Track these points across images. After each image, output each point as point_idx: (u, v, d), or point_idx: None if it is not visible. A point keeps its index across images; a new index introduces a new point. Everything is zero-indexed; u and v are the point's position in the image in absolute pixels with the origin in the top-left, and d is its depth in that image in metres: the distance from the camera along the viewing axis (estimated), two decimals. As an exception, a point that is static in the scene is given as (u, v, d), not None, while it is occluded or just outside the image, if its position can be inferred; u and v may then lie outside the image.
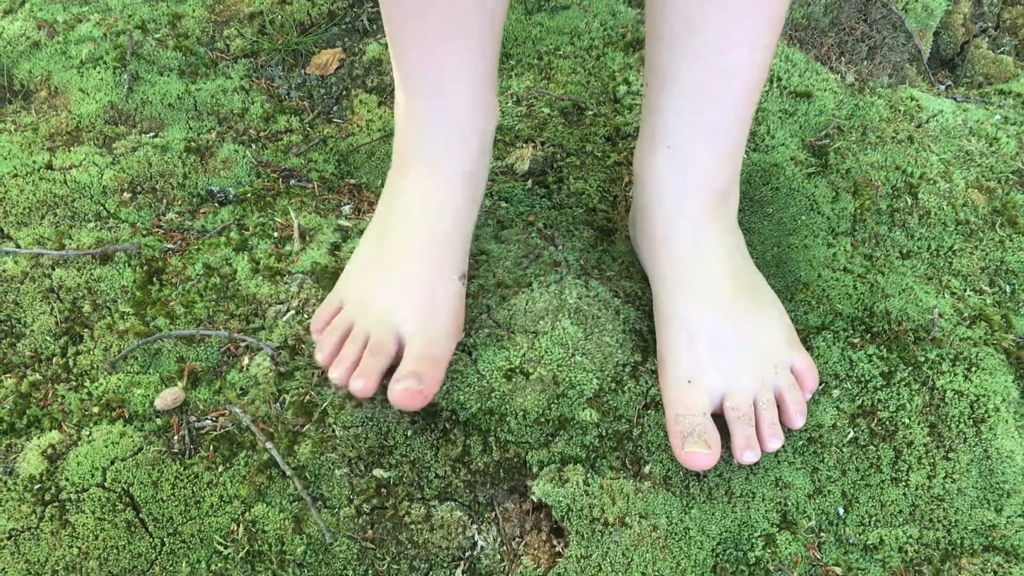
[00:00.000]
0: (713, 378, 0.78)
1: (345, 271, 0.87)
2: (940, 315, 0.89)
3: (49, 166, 0.99)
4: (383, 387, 0.79)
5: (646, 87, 0.82)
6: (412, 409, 0.78)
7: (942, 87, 1.16)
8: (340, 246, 0.94)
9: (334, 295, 0.85)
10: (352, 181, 1.03)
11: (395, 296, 0.82)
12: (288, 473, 0.77)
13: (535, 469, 0.79)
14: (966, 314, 0.90)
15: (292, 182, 1.02)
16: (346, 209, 0.99)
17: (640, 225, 0.87)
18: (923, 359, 0.85)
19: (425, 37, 0.76)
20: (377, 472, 0.78)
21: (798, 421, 0.79)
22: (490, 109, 0.84)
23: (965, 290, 0.93)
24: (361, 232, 0.94)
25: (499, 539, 0.78)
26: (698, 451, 0.75)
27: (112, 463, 0.78)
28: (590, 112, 1.06)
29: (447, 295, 0.82)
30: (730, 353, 0.79)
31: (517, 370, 0.82)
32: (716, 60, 0.75)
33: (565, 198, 0.98)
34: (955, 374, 0.84)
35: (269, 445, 0.78)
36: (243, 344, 0.86)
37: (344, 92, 1.12)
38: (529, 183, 1.00)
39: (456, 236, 0.84)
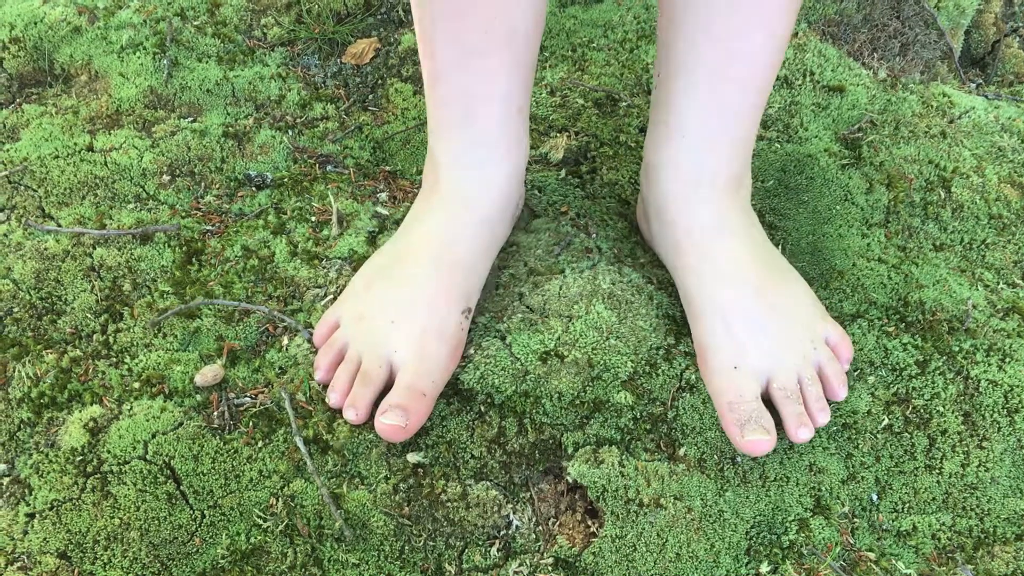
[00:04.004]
0: (758, 361, 0.78)
1: (350, 284, 0.86)
2: (974, 306, 0.89)
3: (90, 148, 1.00)
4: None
5: (658, 77, 0.82)
6: (395, 442, 0.78)
7: (973, 85, 1.17)
8: (377, 236, 0.95)
9: (335, 309, 0.85)
10: (387, 168, 1.04)
11: (391, 322, 0.81)
12: (311, 468, 0.78)
13: (570, 450, 0.80)
14: (999, 306, 0.90)
15: (329, 168, 1.03)
16: (382, 196, 1.00)
17: (657, 216, 0.87)
18: (957, 349, 0.86)
19: (460, 53, 0.76)
20: (412, 457, 0.79)
21: (841, 392, 0.80)
22: (520, 143, 0.84)
23: (998, 283, 0.93)
24: (398, 222, 0.95)
25: (534, 519, 0.78)
26: (760, 438, 0.75)
27: (153, 436, 0.79)
28: (624, 103, 1.07)
29: (445, 329, 0.81)
30: (770, 334, 0.79)
31: (552, 353, 0.83)
32: (735, 44, 0.76)
33: (598, 188, 0.99)
34: (989, 364, 0.85)
35: (298, 440, 0.79)
36: (282, 324, 0.87)
37: (379, 81, 1.13)
38: (563, 172, 1.01)
39: (469, 268, 0.83)
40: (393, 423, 0.76)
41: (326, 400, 0.81)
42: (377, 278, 0.85)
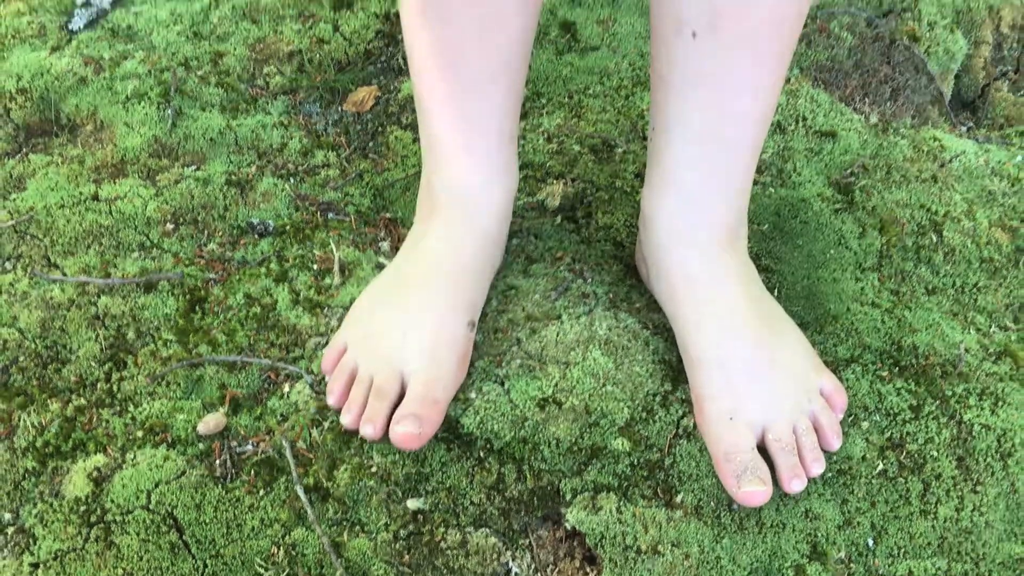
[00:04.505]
0: (754, 412, 0.79)
1: (351, 312, 0.89)
2: (967, 350, 0.90)
3: (95, 197, 1.02)
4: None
5: (652, 129, 0.84)
6: (410, 450, 0.80)
7: (964, 128, 1.19)
8: (375, 279, 0.96)
9: (340, 335, 0.87)
10: (388, 215, 1.06)
11: (400, 336, 0.83)
12: (311, 517, 0.79)
13: (568, 497, 0.81)
14: (992, 350, 0.92)
15: (330, 215, 1.04)
16: (384, 246, 1.02)
17: (654, 265, 0.89)
18: (950, 393, 0.87)
19: (455, 86, 0.79)
20: (412, 503, 0.80)
21: (835, 443, 0.81)
22: (512, 168, 0.88)
23: (990, 326, 0.94)
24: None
25: (533, 566, 0.79)
26: (756, 489, 0.77)
27: (156, 486, 0.79)
28: (620, 149, 1.09)
29: (454, 337, 0.84)
30: (767, 386, 0.81)
31: (550, 400, 0.84)
32: (726, 107, 0.78)
33: (594, 232, 1.01)
34: (982, 408, 0.86)
35: (299, 489, 0.80)
36: (283, 372, 0.88)
37: (379, 128, 1.15)
38: (559, 219, 1.03)
39: (470, 281, 0.86)
40: (408, 431, 0.78)
41: (340, 422, 0.82)
42: (381, 300, 0.88)
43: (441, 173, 0.87)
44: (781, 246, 0.98)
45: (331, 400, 0.83)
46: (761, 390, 0.80)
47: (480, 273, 0.88)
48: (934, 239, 1.00)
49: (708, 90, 0.77)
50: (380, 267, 0.98)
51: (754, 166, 0.84)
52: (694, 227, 0.84)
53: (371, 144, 1.14)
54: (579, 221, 1.02)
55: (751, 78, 0.76)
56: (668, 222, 0.85)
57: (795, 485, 0.78)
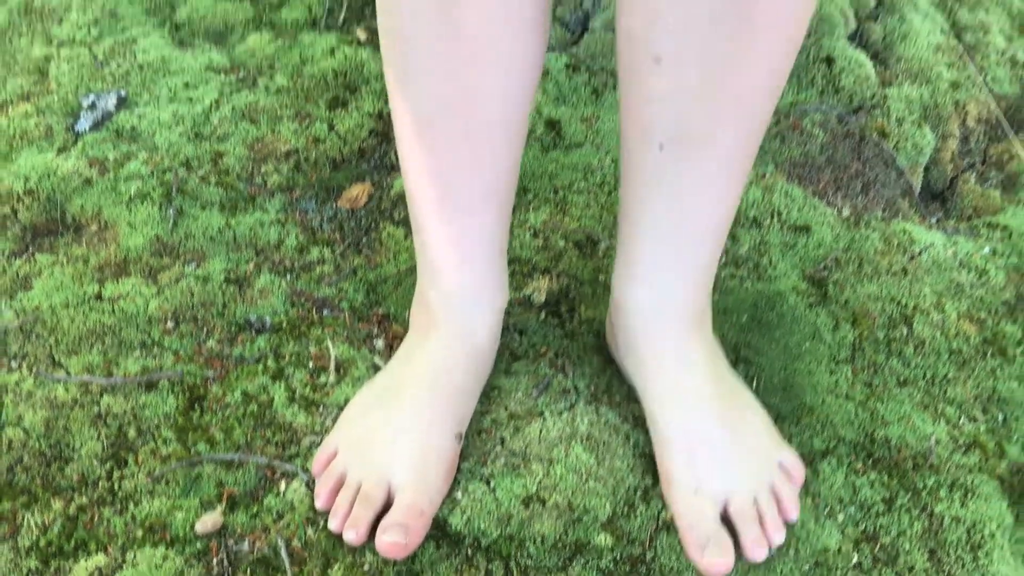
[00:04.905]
0: (718, 485, 0.84)
1: (344, 414, 0.93)
2: (937, 442, 0.94)
3: (98, 296, 1.06)
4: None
5: (622, 217, 0.89)
6: (396, 559, 0.83)
7: (933, 220, 1.24)
8: (370, 376, 1.00)
9: (332, 437, 0.91)
10: (381, 311, 1.10)
11: (390, 445, 0.87)
12: (321, 596, 0.82)
13: (554, 593, 0.83)
14: (961, 441, 0.95)
15: (325, 312, 1.09)
16: (378, 343, 1.06)
17: (624, 344, 0.94)
18: (922, 485, 0.90)
19: (445, 208, 0.84)
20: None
21: (793, 514, 0.86)
22: (502, 281, 0.93)
23: (960, 417, 0.98)
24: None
25: (520, 661, 0.81)
26: (718, 560, 0.81)
27: (155, 586, 0.82)
28: (603, 244, 1.14)
29: (441, 451, 0.87)
30: (730, 461, 0.86)
31: (534, 497, 0.87)
32: (692, 208, 0.82)
33: (577, 326, 1.05)
34: (952, 500, 0.89)
35: None
36: (279, 470, 0.91)
37: (373, 224, 1.20)
38: (543, 314, 1.07)
39: (460, 397, 0.91)
40: (395, 540, 0.81)
41: (328, 526, 0.85)
42: (373, 406, 0.91)
43: (435, 287, 0.91)
44: (758, 338, 1.02)
45: (319, 503, 0.86)
46: (724, 465, 0.85)
47: (470, 388, 0.92)
48: (905, 332, 1.04)
49: (674, 194, 0.82)
50: (375, 367, 1.02)
51: (719, 252, 0.89)
52: (662, 311, 0.89)
53: (365, 240, 1.19)
54: (563, 315, 1.07)
55: (716, 183, 0.81)
56: (637, 306, 0.90)
57: (757, 553, 0.82)
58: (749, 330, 1.02)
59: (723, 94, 0.76)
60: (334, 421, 0.96)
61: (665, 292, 0.88)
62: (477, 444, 0.93)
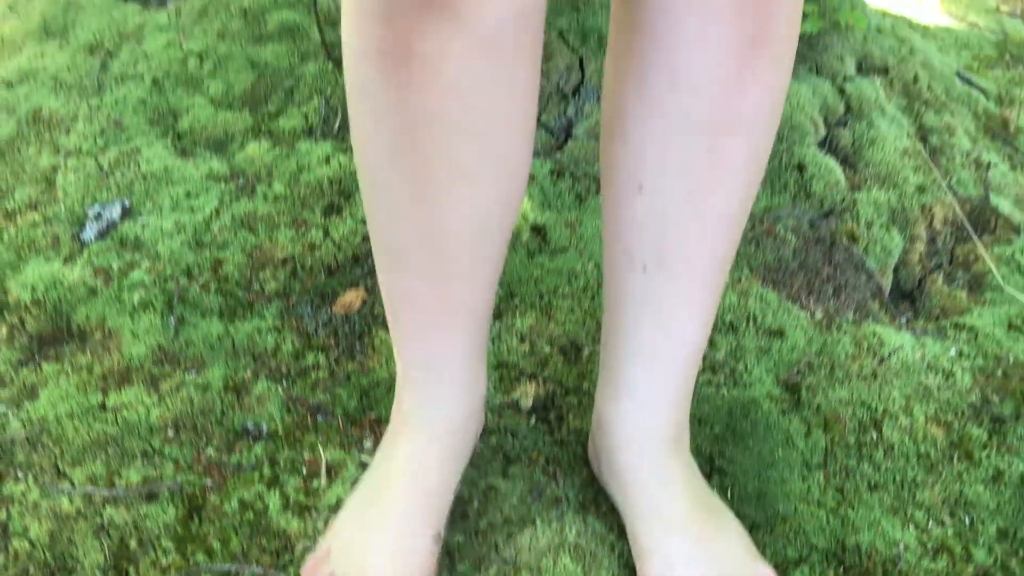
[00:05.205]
0: None
1: (337, 517, 0.97)
2: (906, 548, 0.98)
3: (102, 406, 1.10)
4: None
5: (606, 337, 0.94)
6: None
7: (903, 319, 1.29)
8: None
9: (324, 542, 0.95)
10: (373, 415, 1.14)
11: (369, 548, 0.91)
12: None
13: None
14: (930, 546, 0.99)
15: (319, 418, 1.13)
16: (367, 444, 1.10)
17: (606, 462, 0.98)
18: (891, 592, 0.94)
19: (420, 327, 0.88)
20: None
21: None
22: (479, 380, 0.97)
23: (928, 522, 1.02)
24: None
25: None
26: None
27: None
28: (586, 350, 1.19)
29: (419, 556, 0.91)
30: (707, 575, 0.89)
31: (523, 605, 0.91)
32: (673, 328, 0.88)
33: (566, 435, 1.09)
34: (921, 606, 0.93)
35: None
36: (275, 581, 0.95)
37: (366, 329, 1.25)
38: (533, 419, 1.11)
39: (438, 496, 0.94)
40: None
41: None
42: (358, 508, 0.96)
43: (408, 391, 0.95)
44: (733, 448, 1.07)
45: None
46: None
47: (447, 485, 0.95)
48: (875, 436, 1.09)
49: (656, 314, 0.87)
50: (363, 465, 1.06)
51: (698, 368, 0.93)
52: (644, 431, 0.94)
53: (358, 345, 1.24)
54: (551, 422, 1.11)
55: (698, 303, 0.87)
56: (621, 427, 0.95)
57: None
58: (724, 440, 1.07)
59: (703, 215, 0.82)
60: (325, 523, 1.00)
61: (647, 412, 0.92)
62: (474, 546, 0.96)
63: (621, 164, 0.82)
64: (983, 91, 1.77)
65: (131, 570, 0.96)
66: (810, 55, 1.51)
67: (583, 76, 1.46)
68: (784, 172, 1.38)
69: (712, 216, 0.82)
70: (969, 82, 1.78)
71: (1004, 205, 1.46)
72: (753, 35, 0.74)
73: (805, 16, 1.42)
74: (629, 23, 0.76)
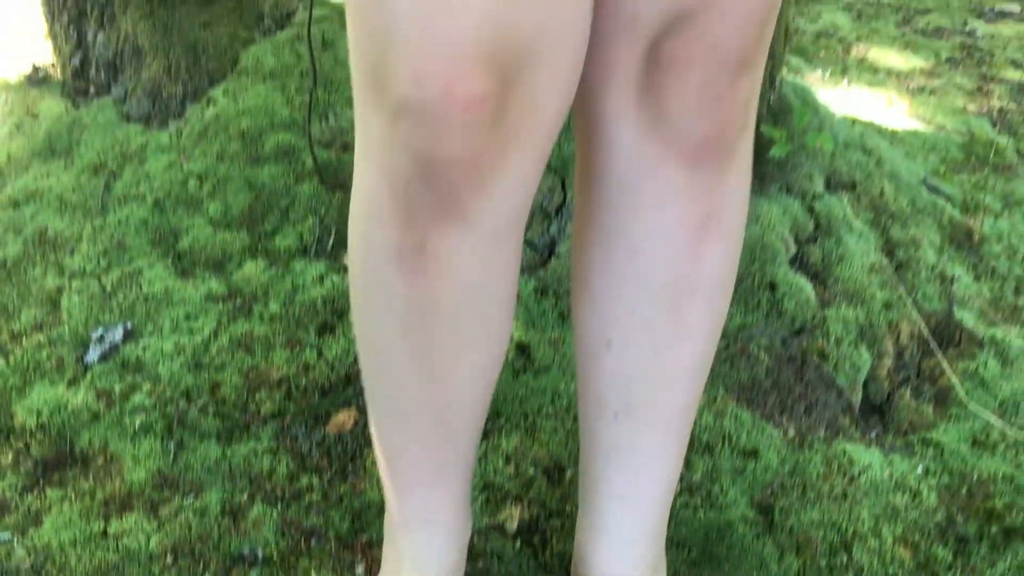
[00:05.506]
0: None
1: None
2: (874, 673, 1.03)
3: (104, 533, 1.15)
4: None
5: (583, 480, 0.99)
6: None
7: (873, 435, 1.35)
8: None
9: None
10: (365, 538, 1.19)
11: None
12: None
13: None
14: (897, 670, 1.04)
15: (313, 542, 1.17)
16: (359, 569, 1.15)
17: None
18: None
19: (415, 483, 0.93)
20: None
21: None
22: (468, 521, 1.00)
23: (896, 645, 1.07)
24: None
25: None
26: None
27: None
28: (569, 472, 1.24)
29: None
30: None
31: None
32: (644, 470, 0.94)
33: (550, 559, 1.14)
34: None
35: None
36: None
37: (358, 450, 1.30)
38: (518, 543, 1.16)
39: None
40: None
41: None
42: None
43: (402, 535, 0.99)
44: (710, 572, 1.12)
45: None
46: None
47: None
48: (845, 559, 1.14)
49: (628, 458, 0.93)
50: (356, 590, 1.11)
51: (670, 502, 0.99)
52: (623, 566, 0.99)
53: (351, 466, 1.29)
54: (536, 546, 1.16)
55: (664, 446, 0.93)
56: (602, 561, 1.00)
57: None
58: (701, 564, 1.12)
59: (667, 367, 0.89)
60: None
61: (625, 547, 0.98)
62: None
63: (590, 323, 0.90)
64: (949, 198, 1.85)
65: None
66: (780, 175, 1.59)
67: (565, 197, 1.54)
68: (757, 291, 1.45)
69: (676, 368, 0.89)
70: (936, 190, 1.86)
71: (968, 318, 1.53)
72: (707, 213, 0.81)
73: (774, 141, 1.50)
74: (591, 197, 0.85)
